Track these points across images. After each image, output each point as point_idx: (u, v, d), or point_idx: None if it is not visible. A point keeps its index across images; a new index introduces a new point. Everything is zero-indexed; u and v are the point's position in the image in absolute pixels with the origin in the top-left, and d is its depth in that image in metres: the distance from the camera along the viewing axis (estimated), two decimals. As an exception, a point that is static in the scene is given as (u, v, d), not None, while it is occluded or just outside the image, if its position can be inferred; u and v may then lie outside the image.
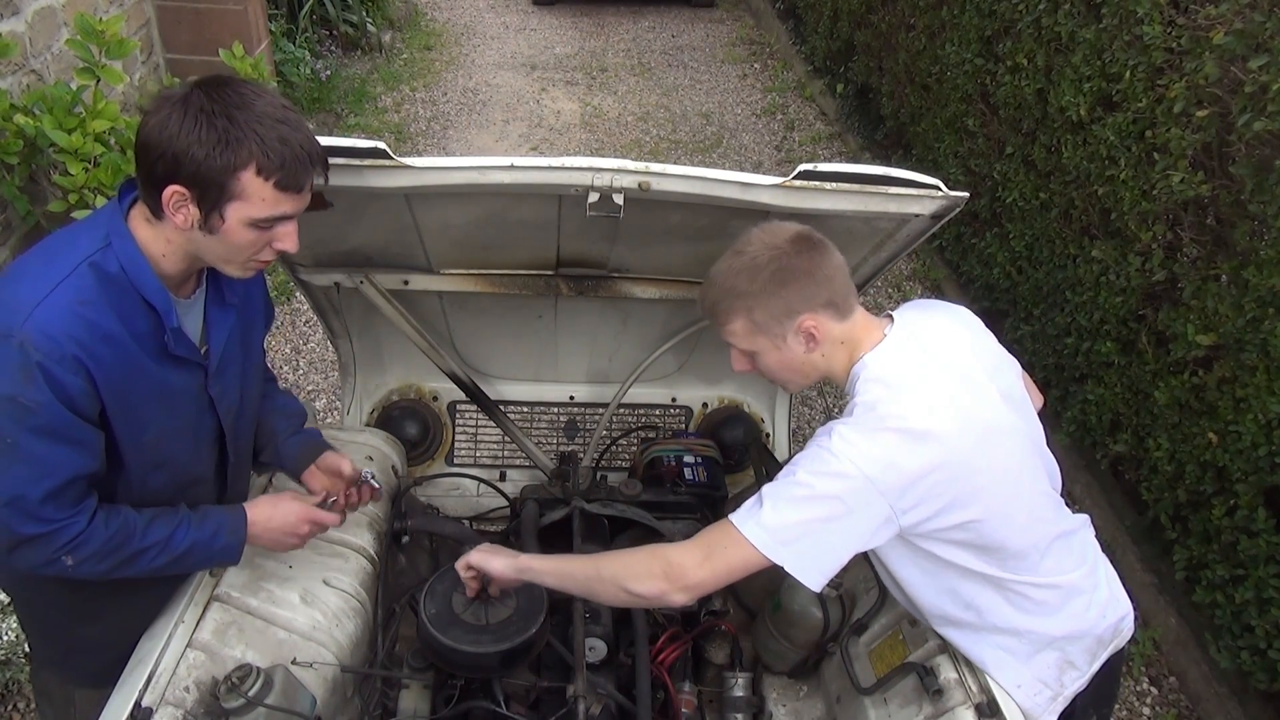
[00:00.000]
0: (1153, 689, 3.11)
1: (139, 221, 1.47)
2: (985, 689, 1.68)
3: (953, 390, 1.60)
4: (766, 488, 1.56)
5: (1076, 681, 1.75)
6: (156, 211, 1.43)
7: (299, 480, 1.91)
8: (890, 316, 1.72)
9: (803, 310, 1.61)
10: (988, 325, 1.84)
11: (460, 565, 1.80)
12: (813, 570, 1.53)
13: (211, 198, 1.38)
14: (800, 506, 1.51)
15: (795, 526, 1.51)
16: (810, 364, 1.67)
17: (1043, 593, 1.67)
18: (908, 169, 1.84)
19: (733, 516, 1.55)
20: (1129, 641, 1.87)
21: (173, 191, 1.37)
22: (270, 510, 1.70)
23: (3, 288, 1.44)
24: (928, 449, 1.51)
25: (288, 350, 4.40)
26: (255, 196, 1.39)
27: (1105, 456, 3.51)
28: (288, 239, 1.48)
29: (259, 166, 1.37)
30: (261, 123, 1.37)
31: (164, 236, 1.46)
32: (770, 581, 2.14)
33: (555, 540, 2.18)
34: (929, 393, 1.58)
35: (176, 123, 1.35)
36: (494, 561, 1.75)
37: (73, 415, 1.43)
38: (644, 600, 1.61)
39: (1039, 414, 1.85)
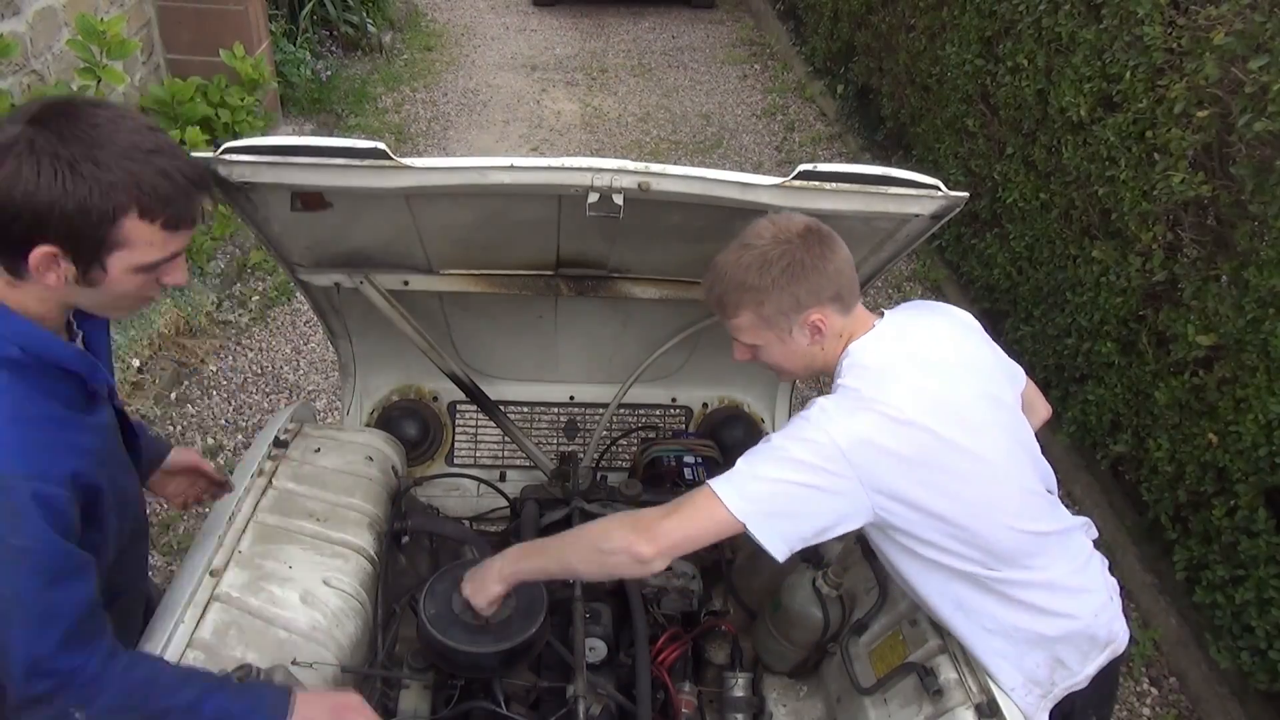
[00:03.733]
0: (1153, 689, 3.11)
1: (1, 287, 1.26)
2: (985, 689, 1.68)
3: (933, 383, 1.62)
4: (744, 454, 1.59)
5: (1067, 680, 1.75)
6: (17, 273, 1.23)
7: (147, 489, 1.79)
8: (882, 313, 1.74)
9: (811, 305, 1.63)
10: (988, 326, 1.84)
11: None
12: (776, 537, 1.53)
13: (88, 251, 1.20)
14: (771, 466, 1.54)
15: (765, 485, 1.53)
16: (811, 356, 1.70)
17: (1030, 592, 1.66)
18: (908, 169, 1.84)
19: (710, 479, 1.58)
20: (1130, 642, 1.87)
21: (42, 254, 1.19)
22: (329, 703, 1.50)
23: None
24: (905, 433, 1.53)
25: (288, 350, 4.40)
26: (141, 242, 1.22)
27: (1105, 457, 3.51)
28: (176, 272, 1.31)
29: (141, 209, 1.20)
30: (133, 158, 1.18)
31: (34, 296, 1.26)
32: (770, 581, 2.14)
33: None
34: (910, 382, 1.60)
35: (31, 174, 1.14)
36: (489, 589, 1.72)
37: (67, 542, 1.25)
38: (613, 558, 1.59)
39: (1046, 424, 1.85)
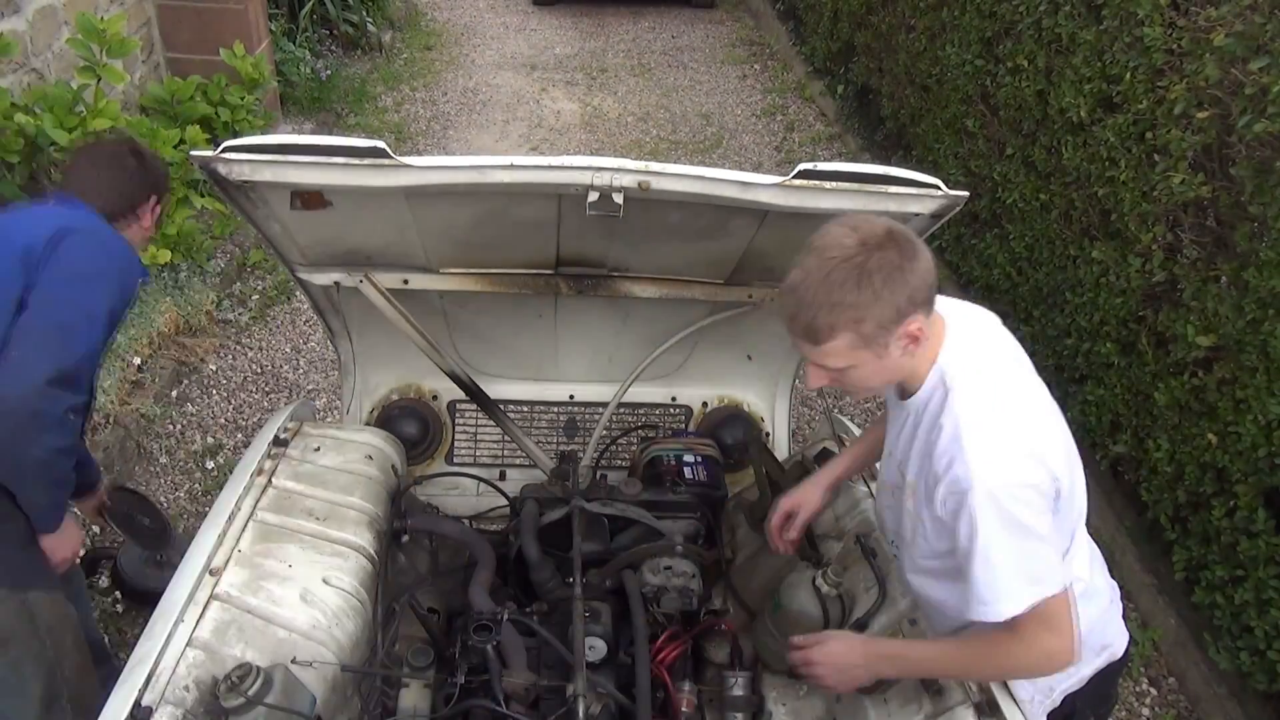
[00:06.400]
0: (1152, 689, 3.11)
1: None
2: (984, 688, 1.68)
3: (1037, 393, 1.61)
4: (993, 569, 1.46)
5: (1065, 684, 1.75)
6: (125, 220, 2.21)
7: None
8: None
9: (910, 313, 1.46)
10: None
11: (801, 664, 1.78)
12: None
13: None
14: (1034, 545, 1.47)
15: (1038, 560, 1.48)
16: (901, 368, 1.56)
17: None
18: (908, 170, 1.84)
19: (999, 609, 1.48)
20: (1130, 642, 1.87)
21: (153, 202, 2.31)
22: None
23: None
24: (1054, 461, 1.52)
25: (288, 349, 4.40)
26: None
27: (1105, 457, 3.51)
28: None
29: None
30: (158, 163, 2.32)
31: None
32: (770, 581, 2.14)
33: (555, 539, 2.18)
34: (1029, 406, 1.57)
35: (155, 163, 2.34)
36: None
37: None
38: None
39: None
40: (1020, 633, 1.49)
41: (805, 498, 2.02)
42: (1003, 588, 1.46)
